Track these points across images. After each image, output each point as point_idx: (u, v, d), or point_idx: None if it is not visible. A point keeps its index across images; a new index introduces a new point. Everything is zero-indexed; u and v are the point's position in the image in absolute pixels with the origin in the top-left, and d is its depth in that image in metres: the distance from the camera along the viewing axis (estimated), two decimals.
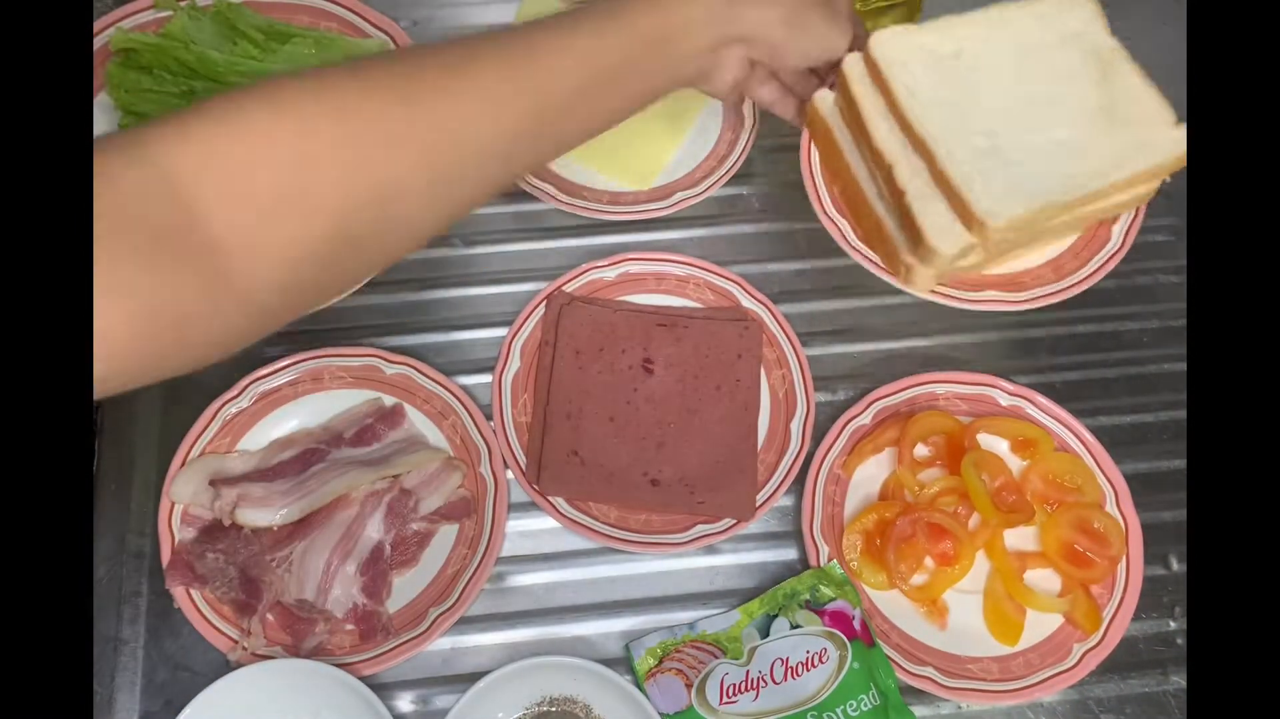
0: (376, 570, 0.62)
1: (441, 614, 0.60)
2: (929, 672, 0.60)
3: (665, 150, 0.75)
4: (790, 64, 0.61)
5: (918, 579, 0.62)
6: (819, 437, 0.66)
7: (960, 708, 0.61)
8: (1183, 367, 0.71)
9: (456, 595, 0.61)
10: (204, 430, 0.65)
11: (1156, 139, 0.60)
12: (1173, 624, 0.64)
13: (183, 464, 0.64)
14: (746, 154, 0.75)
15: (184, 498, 0.63)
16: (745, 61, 0.59)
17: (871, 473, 0.66)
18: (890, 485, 0.65)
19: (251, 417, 0.66)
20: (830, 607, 0.60)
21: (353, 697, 0.57)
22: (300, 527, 0.62)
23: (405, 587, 0.63)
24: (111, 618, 0.62)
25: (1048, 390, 0.68)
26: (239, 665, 0.57)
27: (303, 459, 0.64)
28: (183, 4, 0.74)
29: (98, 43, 0.74)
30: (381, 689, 0.59)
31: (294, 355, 0.66)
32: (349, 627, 0.61)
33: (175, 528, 0.62)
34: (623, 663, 0.61)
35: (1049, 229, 0.62)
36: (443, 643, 0.61)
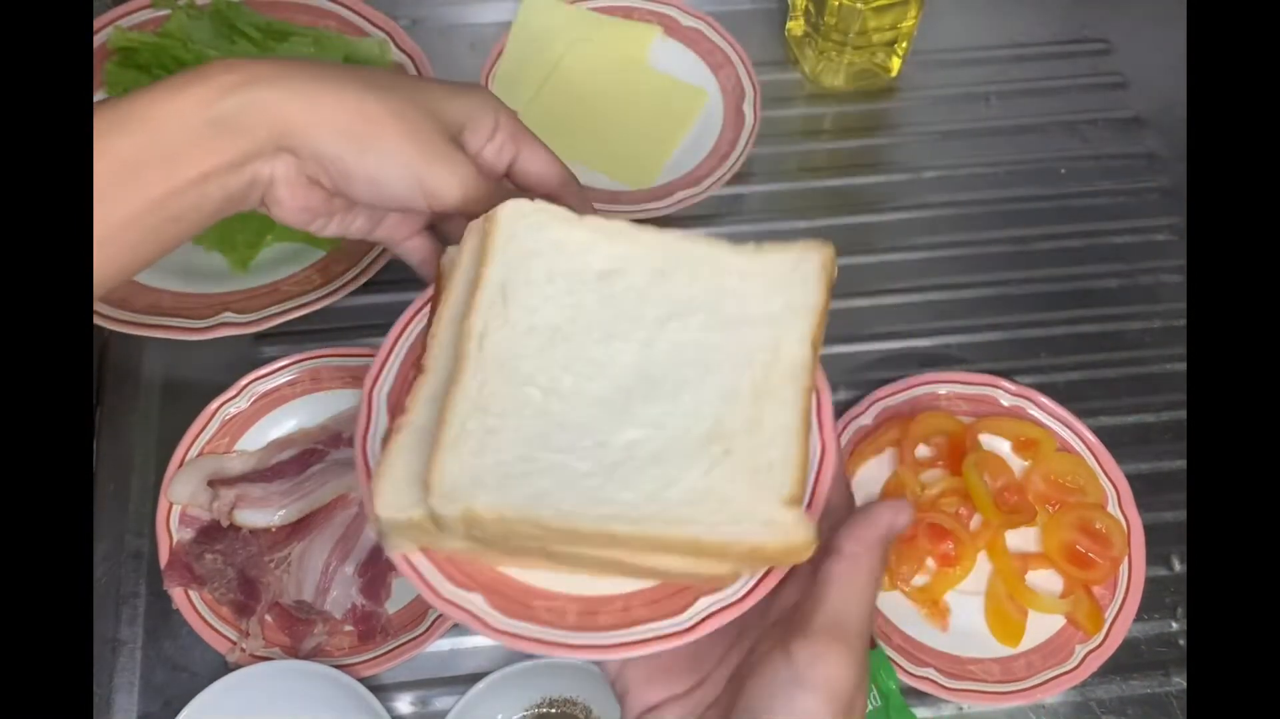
0: (375, 571, 0.61)
1: (441, 615, 0.60)
2: (930, 673, 0.60)
3: (665, 149, 0.75)
4: (359, 194, 0.44)
5: (919, 580, 0.62)
6: None
7: (962, 709, 0.61)
8: (1185, 366, 0.71)
9: None
10: (202, 431, 0.64)
11: (739, 513, 0.36)
12: (1175, 625, 0.64)
13: (181, 465, 0.63)
14: (746, 154, 0.75)
15: (182, 498, 0.62)
16: (306, 183, 0.44)
17: (873, 473, 0.65)
18: (891, 486, 0.64)
19: (250, 417, 0.66)
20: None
21: (351, 698, 0.57)
22: (299, 527, 0.62)
23: (404, 587, 0.62)
24: (110, 619, 0.61)
25: (1050, 390, 0.68)
26: (237, 666, 0.57)
27: (301, 459, 0.64)
28: (181, 3, 0.74)
29: (96, 42, 0.74)
30: (380, 690, 0.59)
31: (292, 355, 0.66)
32: (348, 628, 0.61)
33: (173, 529, 0.62)
34: None
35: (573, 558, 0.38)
36: (442, 644, 0.61)
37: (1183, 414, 0.70)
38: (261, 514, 0.61)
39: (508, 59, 0.77)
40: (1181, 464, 0.68)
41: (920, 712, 0.60)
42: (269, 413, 0.66)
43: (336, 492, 0.62)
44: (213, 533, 0.62)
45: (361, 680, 0.57)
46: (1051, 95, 0.80)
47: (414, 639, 0.60)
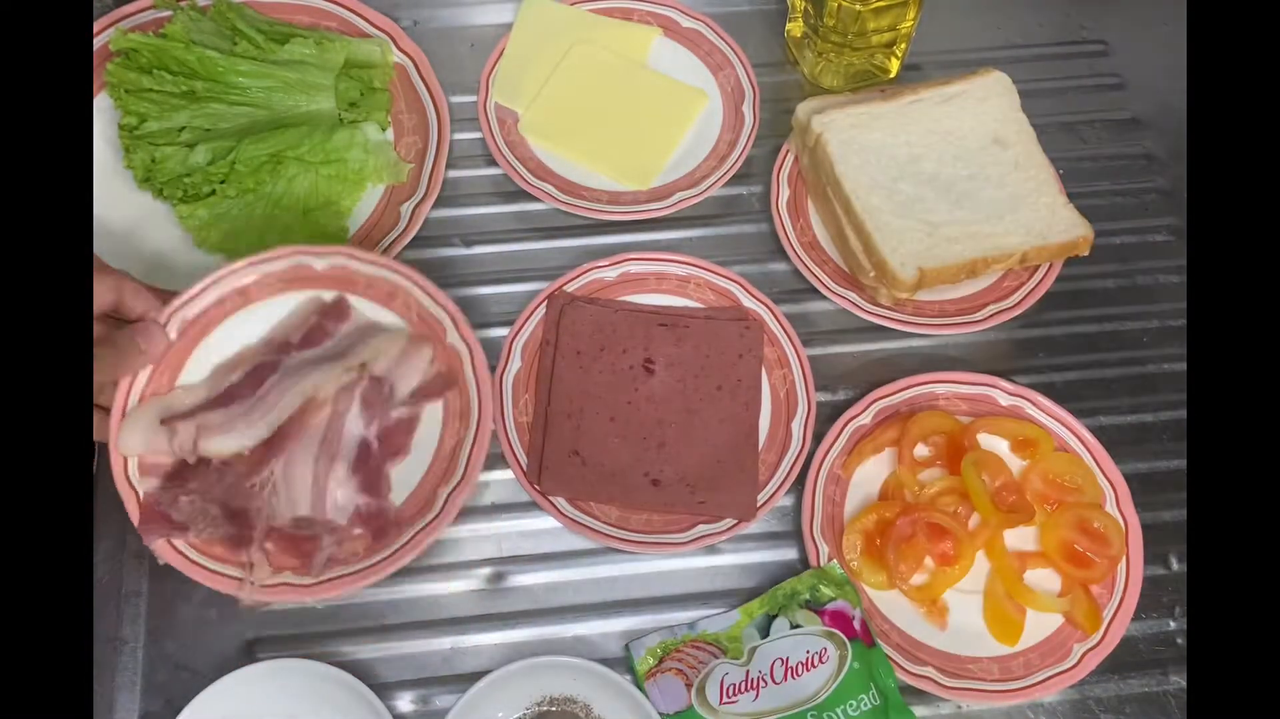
0: (369, 467, 0.58)
1: (452, 492, 0.58)
2: (929, 672, 0.60)
3: (665, 150, 0.76)
4: None
5: (918, 579, 0.62)
6: (819, 436, 0.66)
7: (960, 708, 0.61)
8: (1183, 366, 0.71)
9: (462, 470, 0.59)
10: (135, 378, 0.59)
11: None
12: (1173, 624, 0.64)
13: (123, 416, 0.58)
14: (746, 154, 0.75)
15: (135, 448, 0.57)
16: None
17: (872, 473, 0.66)
18: (890, 485, 0.65)
19: (183, 349, 0.60)
20: (830, 606, 0.60)
21: (352, 696, 0.57)
22: (273, 444, 0.58)
23: (405, 475, 0.60)
24: (111, 617, 0.61)
25: (1048, 390, 0.68)
26: (254, 610, 0.55)
27: (254, 376, 0.59)
28: (182, 4, 0.74)
29: (97, 43, 0.74)
30: (381, 689, 0.59)
31: (210, 275, 0.61)
32: (357, 531, 0.58)
33: (135, 481, 0.57)
34: (623, 663, 0.61)
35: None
36: (443, 642, 0.61)
37: (1181, 414, 0.70)
38: (229, 439, 0.57)
39: (508, 60, 0.78)
40: (1179, 464, 0.68)
41: (919, 710, 0.60)
42: (202, 339, 0.61)
43: (303, 396, 0.59)
44: (181, 473, 0.58)
45: (362, 679, 0.57)
46: (1050, 96, 0.80)
47: (429, 524, 0.57)
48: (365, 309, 0.63)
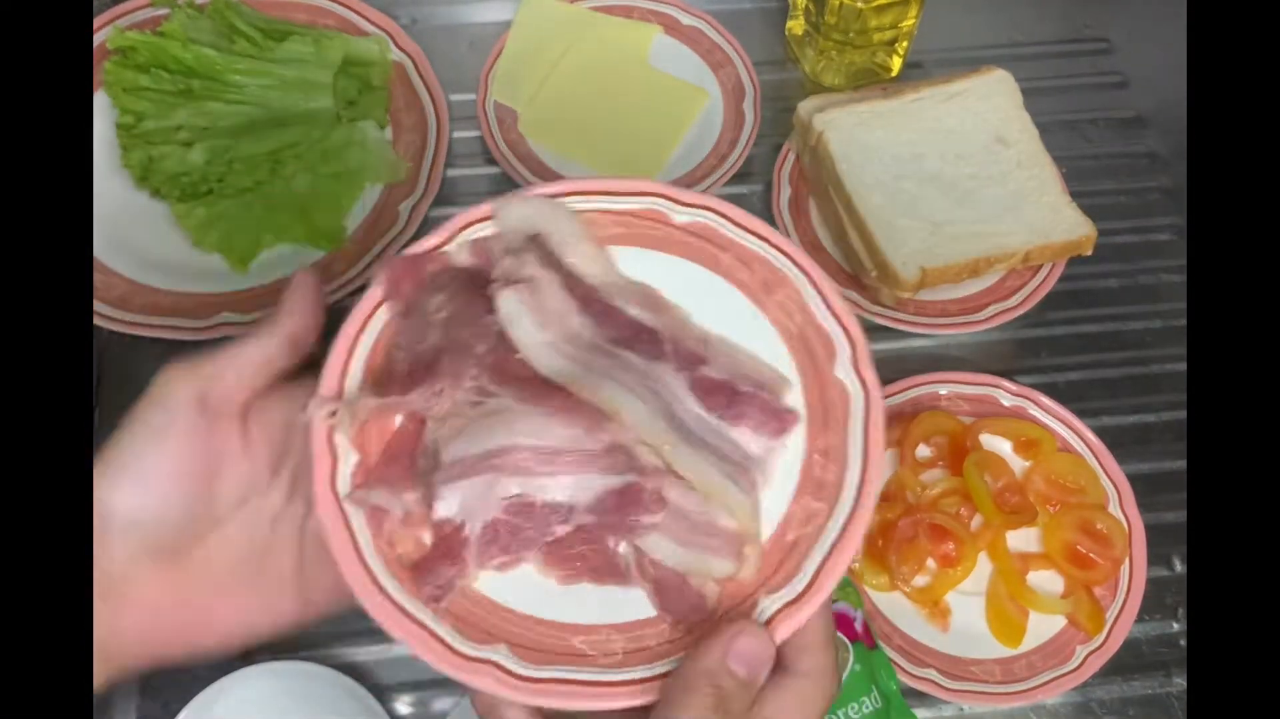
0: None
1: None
2: (931, 674, 0.60)
3: (665, 149, 0.75)
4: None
5: (920, 581, 0.62)
6: None
7: (962, 710, 0.61)
8: (1186, 366, 0.71)
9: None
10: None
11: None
12: (1176, 626, 0.64)
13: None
14: (747, 153, 0.74)
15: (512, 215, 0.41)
16: None
17: None
18: (892, 486, 0.64)
19: None
20: (832, 609, 0.60)
21: (351, 699, 0.57)
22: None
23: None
24: None
25: (1051, 390, 0.68)
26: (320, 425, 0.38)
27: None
28: (180, 2, 0.74)
29: (95, 41, 0.74)
30: (380, 691, 0.59)
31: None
32: (425, 536, 0.37)
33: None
34: None
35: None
36: None
37: (1184, 414, 0.69)
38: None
39: (507, 58, 0.77)
40: (1182, 464, 0.68)
41: (921, 712, 0.60)
42: None
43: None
44: (476, 280, 0.40)
45: (360, 681, 0.57)
46: (1052, 95, 0.80)
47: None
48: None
